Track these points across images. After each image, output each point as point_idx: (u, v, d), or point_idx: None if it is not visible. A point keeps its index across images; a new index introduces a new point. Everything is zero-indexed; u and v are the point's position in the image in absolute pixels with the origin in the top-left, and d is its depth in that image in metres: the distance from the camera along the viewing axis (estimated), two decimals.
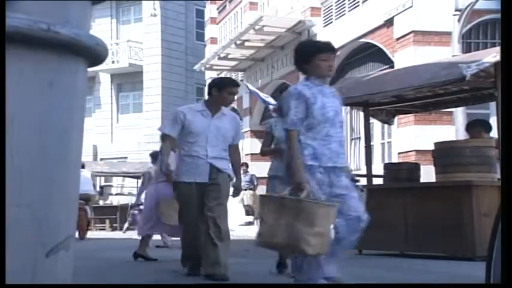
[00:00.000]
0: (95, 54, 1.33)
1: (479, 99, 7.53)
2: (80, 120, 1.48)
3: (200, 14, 24.90)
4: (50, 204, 1.36)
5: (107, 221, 18.13)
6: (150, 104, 24.13)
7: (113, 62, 24.80)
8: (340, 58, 13.96)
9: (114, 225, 17.91)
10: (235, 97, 5.27)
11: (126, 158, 23.61)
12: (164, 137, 4.93)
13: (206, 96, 5.38)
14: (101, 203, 20.23)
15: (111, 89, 25.77)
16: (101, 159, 24.22)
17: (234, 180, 4.98)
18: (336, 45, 16.05)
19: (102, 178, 22.97)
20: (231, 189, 4.95)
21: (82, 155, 1.60)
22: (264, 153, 5.26)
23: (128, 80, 25.56)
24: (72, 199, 1.65)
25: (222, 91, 4.75)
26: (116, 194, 20.61)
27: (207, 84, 5.16)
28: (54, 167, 1.38)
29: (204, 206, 4.68)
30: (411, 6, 11.04)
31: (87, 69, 1.41)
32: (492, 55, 5.83)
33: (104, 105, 25.69)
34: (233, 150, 4.89)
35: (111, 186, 21.94)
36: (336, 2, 14.08)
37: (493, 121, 9.66)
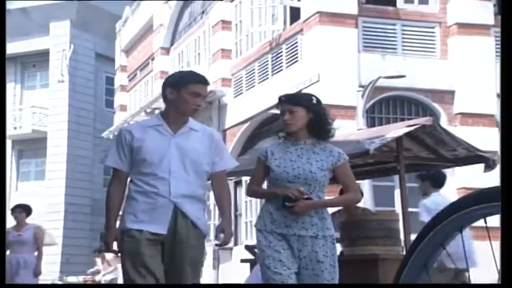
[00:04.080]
0: None
1: (383, 172, 7.74)
2: None
3: (110, 81, 24.57)
4: None
5: None
6: (53, 171, 23.12)
7: (15, 128, 23.82)
8: (250, 128, 14.10)
9: None
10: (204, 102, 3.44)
11: None
12: (113, 175, 3.23)
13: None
14: None
15: (12, 155, 24.57)
16: None
17: (220, 222, 3.32)
18: (246, 116, 16.10)
19: None
20: (220, 235, 3.25)
21: None
22: (252, 195, 3.59)
23: (31, 147, 24.50)
24: None
25: (181, 91, 3.10)
26: None
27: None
28: None
29: (164, 271, 3.08)
30: (318, 81, 11.42)
31: None
32: (393, 131, 6.04)
33: None
34: (216, 181, 3.30)
35: None
36: (246, 74, 14.35)
37: (397, 194, 9.95)
